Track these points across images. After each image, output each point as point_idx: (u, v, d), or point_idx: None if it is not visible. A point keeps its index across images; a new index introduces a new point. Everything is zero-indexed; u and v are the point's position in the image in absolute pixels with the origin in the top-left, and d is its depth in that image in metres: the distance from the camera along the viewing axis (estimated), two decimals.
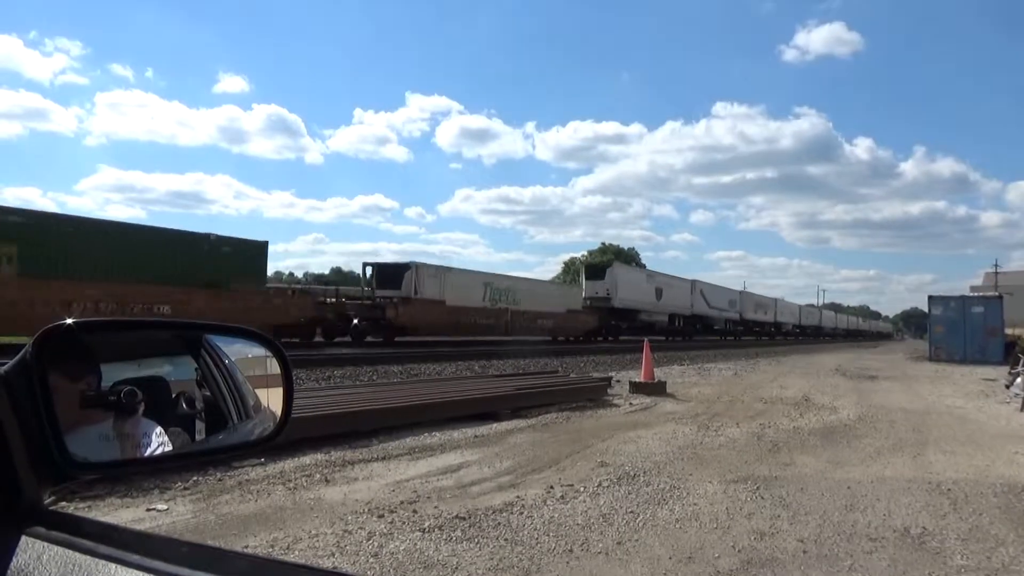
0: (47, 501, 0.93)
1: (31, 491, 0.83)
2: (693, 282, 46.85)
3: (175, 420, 1.15)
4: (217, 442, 1.21)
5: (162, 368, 1.20)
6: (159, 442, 1.09)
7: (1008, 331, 27.86)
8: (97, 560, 0.73)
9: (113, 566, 0.72)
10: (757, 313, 58.06)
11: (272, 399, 1.29)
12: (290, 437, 5.29)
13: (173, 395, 1.18)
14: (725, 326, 52.23)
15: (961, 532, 3.88)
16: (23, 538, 0.76)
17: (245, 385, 1.28)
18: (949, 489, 4.89)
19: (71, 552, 0.74)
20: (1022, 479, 5.32)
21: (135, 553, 0.74)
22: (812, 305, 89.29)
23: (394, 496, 4.31)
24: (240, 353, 1.30)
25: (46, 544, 0.75)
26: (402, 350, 18.55)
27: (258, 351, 1.30)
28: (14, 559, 0.74)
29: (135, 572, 0.72)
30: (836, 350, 40.35)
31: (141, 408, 1.04)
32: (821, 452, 6.35)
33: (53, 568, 0.72)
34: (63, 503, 3.75)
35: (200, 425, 1.19)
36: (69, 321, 0.96)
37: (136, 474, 4.07)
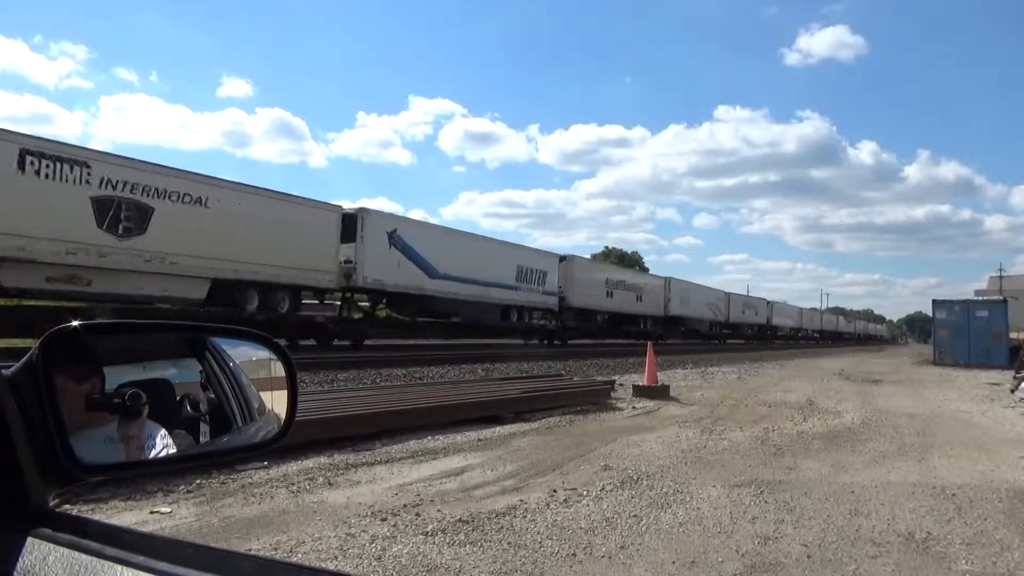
0: (52, 503, 0.93)
1: (37, 493, 0.83)
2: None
3: (180, 423, 1.15)
4: (221, 445, 1.21)
5: (167, 370, 1.21)
6: (164, 445, 1.09)
7: (1013, 335, 27.78)
8: (103, 562, 0.73)
9: (119, 568, 0.72)
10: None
11: (276, 402, 1.29)
12: (293, 440, 5.30)
13: (178, 397, 1.19)
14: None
15: (966, 537, 3.86)
16: (29, 539, 0.77)
17: (249, 388, 1.28)
18: (954, 494, 4.87)
19: (77, 554, 0.74)
20: None
21: (141, 555, 0.75)
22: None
23: (397, 499, 4.31)
24: (245, 355, 1.31)
25: (52, 546, 0.76)
26: (405, 353, 18.55)
27: (262, 353, 1.31)
28: (20, 560, 0.74)
29: (141, 574, 0.72)
30: (839, 354, 40.22)
31: (146, 411, 1.04)
32: (825, 456, 6.33)
33: (59, 569, 0.73)
34: (67, 505, 3.75)
35: (204, 428, 1.19)
36: (75, 323, 0.96)
37: (141, 476, 4.08)
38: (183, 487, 4.34)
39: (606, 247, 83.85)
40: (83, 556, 0.74)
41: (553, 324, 31.65)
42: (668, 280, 42.55)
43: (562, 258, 31.81)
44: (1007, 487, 5.16)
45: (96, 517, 3.71)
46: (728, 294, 52.72)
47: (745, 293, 62.30)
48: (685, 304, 43.24)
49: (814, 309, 78.91)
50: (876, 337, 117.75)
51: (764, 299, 62.05)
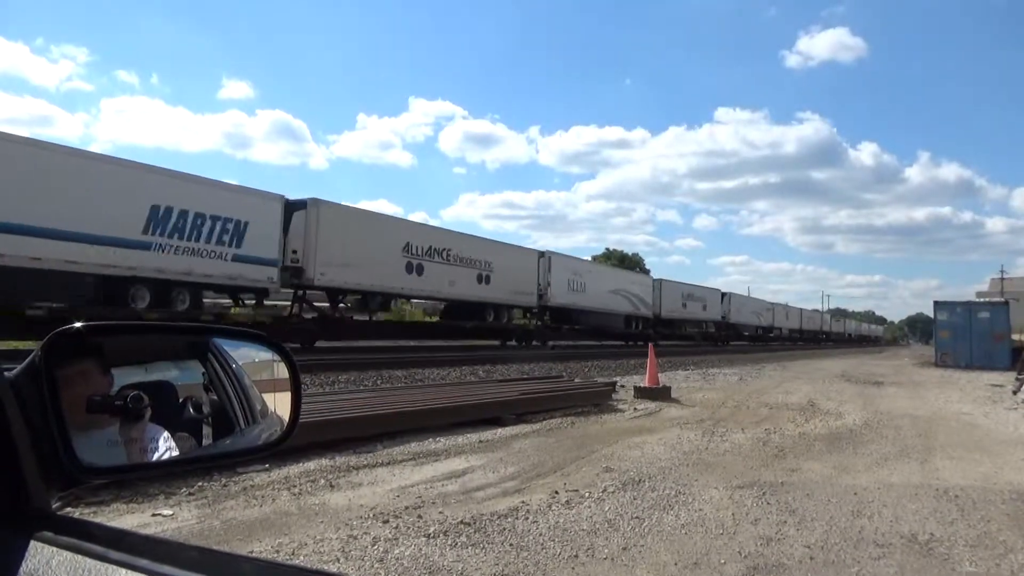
0: (55, 506, 0.93)
1: (40, 496, 0.83)
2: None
3: (182, 425, 1.15)
4: (224, 447, 1.21)
5: (169, 372, 1.21)
6: (166, 447, 1.09)
7: (1015, 337, 27.75)
8: (107, 565, 0.73)
9: (123, 571, 0.72)
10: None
11: (279, 404, 1.29)
12: (294, 443, 5.29)
13: (180, 400, 1.18)
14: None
15: (969, 539, 3.85)
16: (32, 543, 0.76)
17: (252, 390, 1.28)
18: (957, 495, 4.86)
19: (80, 557, 0.74)
20: None
21: (144, 558, 0.74)
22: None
23: (399, 501, 4.31)
24: (247, 357, 1.30)
25: (55, 549, 0.75)
26: (405, 355, 18.54)
27: (265, 355, 1.30)
28: (23, 564, 0.74)
29: None
30: (841, 356, 40.18)
31: (148, 413, 1.04)
32: (827, 458, 6.32)
33: (62, 573, 0.72)
34: (69, 508, 3.75)
35: (207, 430, 1.19)
36: (78, 325, 0.96)
37: (143, 479, 4.07)
38: (185, 490, 4.34)
39: (607, 249, 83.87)
40: (86, 559, 0.73)
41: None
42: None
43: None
44: (1010, 489, 5.15)
45: (98, 520, 3.70)
46: (726, 294, 49.98)
47: (753, 296, 62.17)
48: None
49: (786, 305, 68.40)
50: (870, 338, 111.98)
51: (719, 291, 55.82)
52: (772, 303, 62.51)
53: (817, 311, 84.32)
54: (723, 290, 50.51)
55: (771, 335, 59.81)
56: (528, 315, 29.81)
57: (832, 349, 58.58)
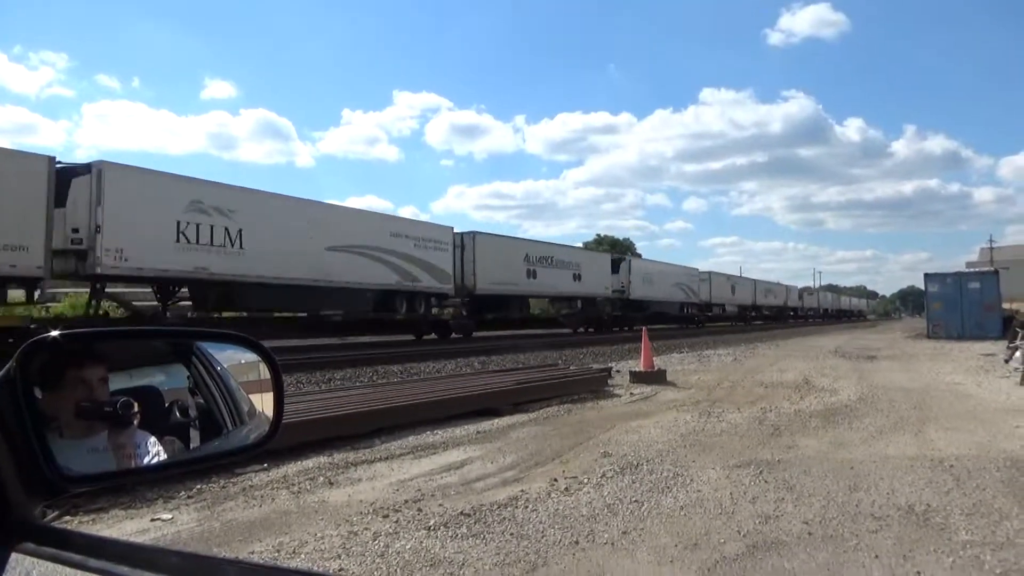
0: (49, 517, 0.92)
1: (20, 507, 0.82)
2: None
3: (169, 429, 1.14)
4: (212, 449, 1.20)
5: (154, 377, 1.20)
6: (154, 452, 1.08)
7: (1005, 305, 27.98)
8: (87, 574, 0.72)
9: None
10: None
11: (267, 404, 1.28)
12: (292, 441, 5.29)
13: (166, 404, 1.17)
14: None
15: (965, 508, 3.89)
16: (13, 555, 0.76)
17: (239, 391, 1.27)
18: (952, 465, 4.90)
19: (60, 567, 0.73)
20: None
21: (125, 565, 0.74)
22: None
23: (398, 495, 4.31)
24: (232, 359, 1.30)
25: (35, 560, 0.75)
26: (399, 350, 18.53)
27: (250, 356, 1.30)
28: (3, 575, 0.73)
29: None
30: (835, 332, 40.42)
31: (137, 419, 1.03)
32: (823, 434, 6.37)
33: None
34: (67, 517, 3.74)
35: (194, 433, 1.18)
36: (54, 333, 0.95)
37: (132, 485, 4.06)
38: (184, 493, 4.33)
39: (597, 235, 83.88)
40: (67, 569, 0.73)
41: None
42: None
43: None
44: (1004, 456, 5.20)
45: (96, 527, 3.69)
46: (706, 273, 46.36)
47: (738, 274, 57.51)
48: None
49: (754, 280, 58.99)
50: (852, 313, 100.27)
51: (749, 279, 55.72)
52: (707, 272, 47.76)
53: (780, 284, 69.58)
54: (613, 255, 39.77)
55: (693, 314, 44.68)
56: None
57: (825, 325, 58.63)
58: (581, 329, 32.47)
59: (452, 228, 25.20)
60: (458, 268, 25.11)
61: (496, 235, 28.07)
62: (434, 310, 25.28)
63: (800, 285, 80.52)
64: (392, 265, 22.09)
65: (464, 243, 25.46)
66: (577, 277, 31.79)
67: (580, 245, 50.90)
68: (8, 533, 0.79)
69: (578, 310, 33.57)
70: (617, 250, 65.29)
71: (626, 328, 32.56)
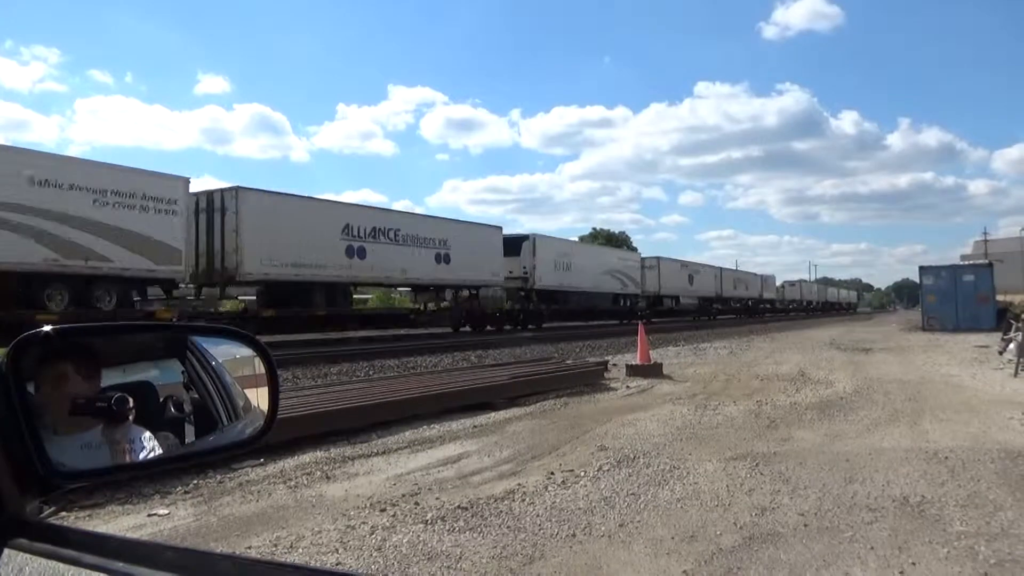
0: (44, 513, 0.92)
1: (13, 503, 0.81)
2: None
3: (164, 424, 1.13)
4: (206, 444, 1.20)
5: (148, 372, 1.19)
6: (149, 447, 1.07)
7: (999, 298, 28.07)
8: (81, 570, 0.72)
9: (97, 575, 0.71)
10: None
11: (262, 399, 1.27)
12: (288, 436, 5.28)
13: (161, 399, 1.17)
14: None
15: (960, 499, 3.91)
16: (6, 551, 0.75)
17: (233, 386, 1.27)
18: (946, 457, 4.92)
19: (55, 563, 0.73)
20: (1018, 444, 5.36)
21: (120, 560, 0.73)
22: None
23: (395, 489, 4.31)
24: (227, 354, 1.29)
25: (29, 556, 0.74)
26: (398, 344, 18.53)
27: (245, 351, 1.29)
28: None
29: None
30: (830, 325, 40.52)
31: (132, 414, 1.03)
32: (819, 426, 6.39)
33: None
34: (63, 513, 3.73)
35: (189, 428, 1.17)
36: (47, 328, 0.94)
37: (126, 480, 4.05)
38: (180, 488, 4.32)
39: (593, 228, 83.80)
40: (61, 565, 0.72)
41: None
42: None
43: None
44: (998, 448, 5.22)
45: (92, 523, 3.69)
46: (659, 259, 39.01)
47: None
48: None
49: (718, 268, 49.59)
50: (841, 305, 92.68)
51: (712, 266, 46.88)
52: (654, 257, 40.06)
53: (753, 273, 61.59)
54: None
55: (633, 308, 36.61)
56: None
57: (821, 319, 58.42)
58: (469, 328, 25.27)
59: (187, 179, 16.47)
60: (208, 243, 17.24)
61: (287, 195, 19.24)
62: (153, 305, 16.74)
63: (795, 278, 78.44)
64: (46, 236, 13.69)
65: (225, 205, 17.22)
66: (443, 258, 23.78)
67: (576, 238, 45.49)
68: (1, 529, 0.78)
69: (458, 303, 25.61)
70: (613, 243, 64.23)
71: (531, 327, 26.70)
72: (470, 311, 25.79)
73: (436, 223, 24.88)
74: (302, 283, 19.09)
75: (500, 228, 27.71)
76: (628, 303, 36.64)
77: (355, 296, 23.64)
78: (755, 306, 58.21)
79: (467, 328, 25.45)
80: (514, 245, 27.68)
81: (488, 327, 26.03)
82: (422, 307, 25.05)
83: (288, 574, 0.88)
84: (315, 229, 19.10)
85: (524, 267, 27.81)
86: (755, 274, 62.01)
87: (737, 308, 53.58)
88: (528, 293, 28.25)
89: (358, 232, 20.59)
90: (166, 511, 3.94)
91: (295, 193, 19.78)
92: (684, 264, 42.67)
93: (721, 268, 50.81)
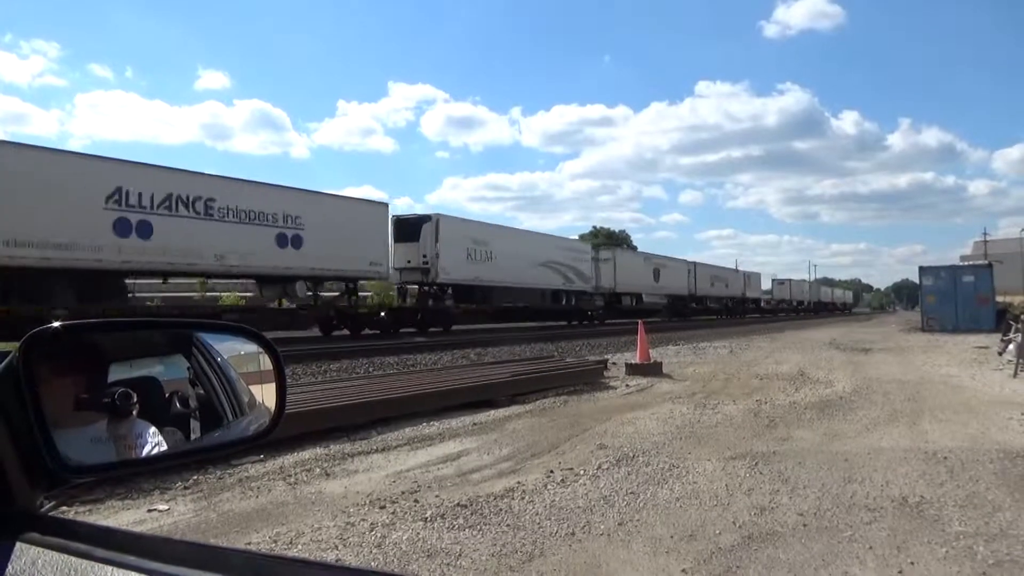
0: (47, 507, 0.92)
1: (24, 497, 0.82)
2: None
3: (169, 420, 1.14)
4: (212, 440, 1.20)
5: (153, 368, 1.19)
6: (154, 442, 1.08)
7: (999, 298, 28.10)
8: (93, 563, 0.72)
9: (109, 569, 0.71)
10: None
11: (267, 395, 1.28)
12: (288, 432, 5.29)
13: (166, 395, 1.17)
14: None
15: (959, 499, 3.92)
16: (18, 544, 0.76)
17: (239, 382, 1.27)
18: (945, 457, 4.93)
19: (66, 557, 0.73)
20: (1017, 445, 5.37)
21: (131, 555, 0.74)
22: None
23: (395, 487, 4.32)
24: (233, 350, 1.29)
25: (41, 550, 0.75)
26: (397, 341, 18.53)
27: (251, 347, 1.29)
28: (9, 566, 0.73)
29: (131, 574, 0.71)
30: (830, 325, 40.54)
31: (136, 410, 1.03)
32: (818, 426, 6.40)
33: (48, 573, 0.72)
34: (64, 507, 3.74)
35: (195, 424, 1.18)
36: (56, 324, 0.95)
37: (132, 475, 4.06)
38: (180, 484, 4.33)
39: (593, 227, 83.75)
40: (73, 559, 0.73)
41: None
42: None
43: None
44: (997, 448, 5.23)
45: (93, 518, 3.70)
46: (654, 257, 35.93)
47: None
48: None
49: (692, 263, 45.13)
50: (836, 305, 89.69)
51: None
52: (609, 249, 37.37)
53: (735, 270, 57.56)
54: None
55: (577, 307, 32.00)
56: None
57: (821, 319, 57.93)
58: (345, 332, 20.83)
59: None
60: None
61: (8, 142, 14.14)
62: None
63: (795, 277, 76.93)
64: None
65: None
66: (291, 241, 18.49)
67: (576, 238, 42.29)
68: (13, 523, 0.79)
69: (323, 300, 20.67)
70: (613, 242, 60.86)
71: (435, 330, 21.89)
72: (342, 310, 20.95)
73: (279, 193, 18.50)
74: (30, 270, 13.65)
75: (385, 204, 22.16)
76: (573, 301, 31.28)
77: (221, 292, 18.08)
78: (736, 306, 52.91)
79: (345, 331, 20.80)
80: (412, 228, 22.56)
81: (366, 329, 21.16)
82: (278, 305, 19.58)
83: (301, 569, 0.88)
84: (60, 193, 13.80)
85: (424, 255, 22.25)
86: (736, 270, 56.98)
87: (715, 308, 48.56)
88: (430, 288, 22.95)
89: (137, 200, 15.23)
90: (166, 507, 3.95)
91: (31, 144, 14.34)
92: (648, 257, 38.29)
93: (695, 263, 45.86)
